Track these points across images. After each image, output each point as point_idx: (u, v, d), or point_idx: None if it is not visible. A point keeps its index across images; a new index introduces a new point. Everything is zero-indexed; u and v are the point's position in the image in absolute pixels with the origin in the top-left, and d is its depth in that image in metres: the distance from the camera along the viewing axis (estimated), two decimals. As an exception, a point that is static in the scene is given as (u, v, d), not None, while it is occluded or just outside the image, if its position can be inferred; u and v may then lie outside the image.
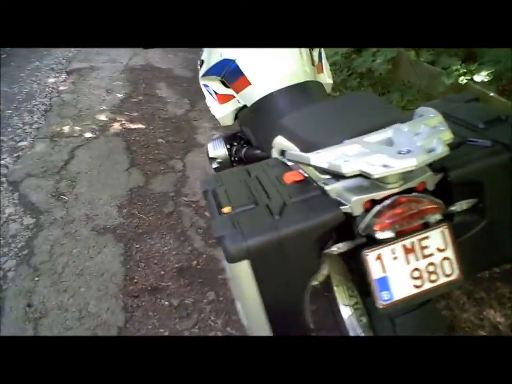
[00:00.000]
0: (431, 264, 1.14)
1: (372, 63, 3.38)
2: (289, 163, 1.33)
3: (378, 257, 1.12)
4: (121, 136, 3.62)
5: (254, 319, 1.17)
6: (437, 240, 1.14)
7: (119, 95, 4.32)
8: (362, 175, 1.04)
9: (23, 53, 5.49)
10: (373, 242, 1.12)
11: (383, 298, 1.13)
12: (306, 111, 1.46)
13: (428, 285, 1.14)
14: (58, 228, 2.65)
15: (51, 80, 4.75)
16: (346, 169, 1.02)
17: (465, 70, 2.97)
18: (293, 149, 1.32)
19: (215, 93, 2.04)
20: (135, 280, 2.29)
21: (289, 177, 1.26)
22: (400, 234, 1.13)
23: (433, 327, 1.27)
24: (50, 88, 4.54)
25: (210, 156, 2.21)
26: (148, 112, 3.99)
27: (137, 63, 5.12)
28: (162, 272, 2.33)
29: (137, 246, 2.50)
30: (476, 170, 1.16)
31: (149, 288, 2.24)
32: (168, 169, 3.19)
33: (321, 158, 1.08)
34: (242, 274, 1.09)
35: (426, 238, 1.14)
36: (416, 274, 1.14)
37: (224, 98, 2.01)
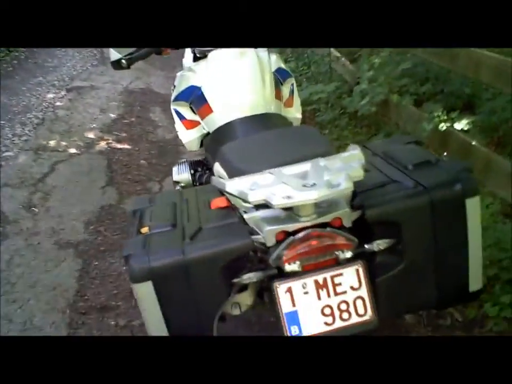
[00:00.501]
0: (344, 302, 1.12)
1: (358, 104, 3.40)
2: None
3: (289, 291, 1.10)
4: (105, 155, 3.65)
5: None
6: (351, 278, 1.12)
7: (112, 115, 4.38)
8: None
9: (28, 67, 5.64)
10: (285, 275, 1.11)
11: (291, 334, 1.11)
12: (246, 139, 1.47)
13: (339, 323, 1.12)
14: (22, 238, 2.66)
15: (50, 95, 4.85)
16: (252, 198, 1.02)
17: (445, 117, 2.96)
18: (223, 176, 1.32)
19: (183, 118, 2.06)
20: (86, 297, 2.26)
21: (215, 203, 1.27)
22: (312, 269, 1.11)
23: None
24: (47, 103, 4.63)
25: (174, 179, 2.21)
26: (136, 134, 4.03)
27: (137, 86, 5.21)
28: (116, 292, 2.30)
29: (96, 263, 2.49)
30: (392, 211, 1.14)
31: (98, 306, 2.21)
32: (144, 190, 3.20)
33: (235, 185, 1.07)
34: (145, 296, 1.07)
35: (340, 275, 1.12)
36: (327, 311, 1.11)
37: (190, 124, 2.03)
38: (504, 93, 2.95)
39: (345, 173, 1.02)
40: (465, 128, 2.95)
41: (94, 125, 4.15)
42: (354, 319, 1.12)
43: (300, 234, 1.08)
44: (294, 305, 1.10)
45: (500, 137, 3.71)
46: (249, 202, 1.04)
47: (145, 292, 1.07)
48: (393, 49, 3.48)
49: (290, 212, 1.10)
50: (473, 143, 2.78)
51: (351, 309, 1.12)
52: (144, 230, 1.19)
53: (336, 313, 1.11)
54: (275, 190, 1.01)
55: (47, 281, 2.35)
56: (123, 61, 1.72)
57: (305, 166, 1.10)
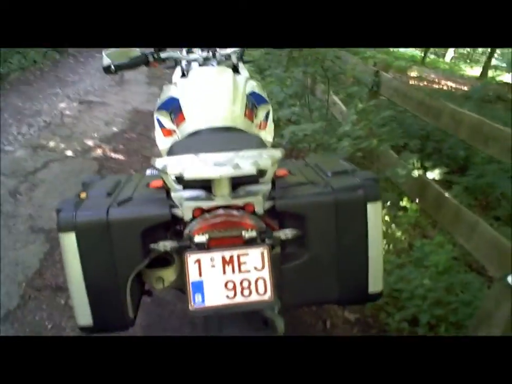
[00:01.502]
0: (246, 280, 1.23)
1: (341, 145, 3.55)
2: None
3: (198, 262, 1.22)
4: (98, 161, 3.83)
5: (76, 297, 1.25)
6: (255, 259, 1.23)
7: (115, 129, 4.60)
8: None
9: (50, 79, 5.96)
10: (196, 247, 1.23)
11: (195, 301, 1.22)
12: (194, 137, 1.60)
13: (239, 298, 1.23)
14: (1, 219, 2.80)
15: (62, 105, 5.11)
16: (170, 170, 1.16)
17: (419, 166, 3.11)
18: None
19: (163, 126, 2.22)
20: (44, 277, 2.38)
21: (153, 184, 1.44)
22: (220, 245, 1.23)
23: None
24: (57, 111, 4.88)
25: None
26: (132, 148, 4.22)
27: (147, 108, 5.44)
28: (73, 276, 2.40)
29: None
30: (299, 204, 1.27)
31: (54, 286, 2.33)
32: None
33: (162, 161, 1.21)
34: (68, 246, 1.21)
35: (246, 254, 1.23)
36: (230, 285, 1.23)
37: (168, 132, 2.18)
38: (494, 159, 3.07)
39: (253, 160, 1.17)
40: (437, 178, 3.10)
41: (95, 135, 4.36)
42: (254, 297, 1.23)
43: (215, 213, 1.22)
44: (200, 275, 1.22)
45: (482, 200, 3.87)
46: (167, 174, 1.18)
47: (68, 242, 1.20)
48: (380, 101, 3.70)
49: (210, 194, 1.25)
50: (446, 194, 2.89)
51: (252, 287, 1.23)
52: (83, 195, 1.35)
53: (238, 288, 1.23)
54: (191, 166, 1.15)
55: (12, 257, 2.48)
56: (112, 67, 1.90)
57: (228, 154, 1.23)
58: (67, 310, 2.18)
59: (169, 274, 1.39)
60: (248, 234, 1.22)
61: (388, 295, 2.50)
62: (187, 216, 1.24)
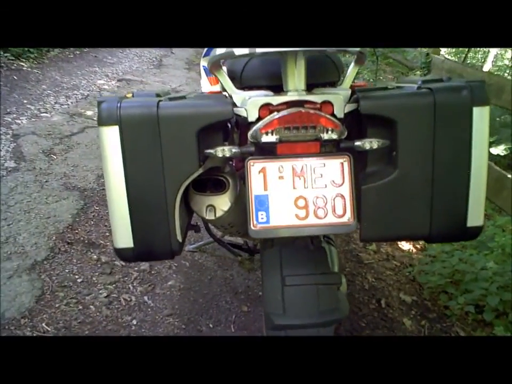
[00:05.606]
0: (321, 197, 0.99)
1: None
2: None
3: (263, 171, 0.99)
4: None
5: (115, 209, 1.01)
6: (334, 172, 0.99)
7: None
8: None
9: (88, 59, 5.89)
10: (261, 153, 1.00)
11: (258, 220, 0.99)
12: None
13: (312, 220, 0.99)
14: (32, 175, 2.65)
15: (100, 81, 5.00)
16: (237, 51, 0.97)
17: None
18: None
19: (210, 74, 2.05)
20: (76, 231, 2.20)
21: (210, 90, 1.22)
22: (292, 153, 0.99)
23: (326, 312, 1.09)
24: (96, 86, 4.77)
25: None
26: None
27: (184, 90, 5.30)
28: (107, 233, 2.22)
29: (96, 208, 2.43)
30: (389, 105, 1.00)
31: (86, 241, 2.14)
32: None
33: (219, 49, 1.03)
34: (109, 144, 0.97)
35: (322, 165, 0.99)
36: (301, 203, 0.99)
37: (215, 81, 2.01)
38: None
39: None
40: (502, 154, 2.81)
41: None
42: (330, 219, 0.99)
43: (285, 112, 0.96)
44: (266, 188, 0.99)
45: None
46: (235, 56, 0.99)
47: (110, 138, 0.97)
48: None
49: (280, 92, 1.03)
50: (509, 175, 2.63)
51: (329, 207, 0.99)
52: (129, 95, 1.13)
53: (311, 207, 0.99)
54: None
55: (44, 211, 2.31)
56: None
57: None
58: (98, 265, 1.99)
59: (222, 202, 1.15)
60: (328, 135, 0.97)
61: (449, 276, 2.24)
62: (252, 115, 0.98)
